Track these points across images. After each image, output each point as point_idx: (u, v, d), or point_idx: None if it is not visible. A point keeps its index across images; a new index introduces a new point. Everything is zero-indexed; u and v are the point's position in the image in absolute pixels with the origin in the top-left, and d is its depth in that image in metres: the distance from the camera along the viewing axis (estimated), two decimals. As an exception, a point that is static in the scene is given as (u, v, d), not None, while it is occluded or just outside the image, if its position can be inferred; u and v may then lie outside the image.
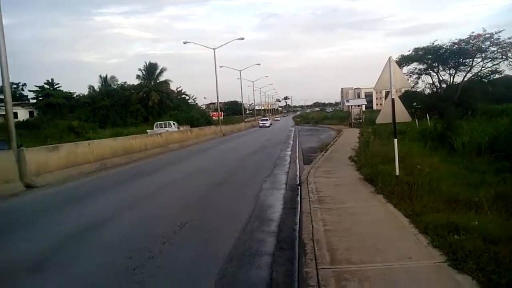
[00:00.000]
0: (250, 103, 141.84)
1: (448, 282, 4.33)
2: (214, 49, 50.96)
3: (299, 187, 11.11)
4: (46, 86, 70.65)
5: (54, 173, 14.35)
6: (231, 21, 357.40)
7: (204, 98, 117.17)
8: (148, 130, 43.21)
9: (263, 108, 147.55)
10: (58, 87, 72.01)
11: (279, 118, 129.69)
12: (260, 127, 66.81)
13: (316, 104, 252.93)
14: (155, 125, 49.27)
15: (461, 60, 39.08)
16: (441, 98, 37.80)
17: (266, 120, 75.10)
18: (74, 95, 74.95)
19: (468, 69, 39.74)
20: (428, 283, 4.36)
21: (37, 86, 71.03)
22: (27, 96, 77.40)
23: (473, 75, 40.34)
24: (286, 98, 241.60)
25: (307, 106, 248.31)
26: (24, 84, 79.29)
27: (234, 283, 5.05)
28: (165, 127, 46.71)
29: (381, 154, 12.59)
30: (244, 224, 7.62)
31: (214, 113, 79.35)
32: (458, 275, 4.39)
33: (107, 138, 23.67)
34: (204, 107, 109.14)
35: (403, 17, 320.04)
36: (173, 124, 49.19)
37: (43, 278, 5.43)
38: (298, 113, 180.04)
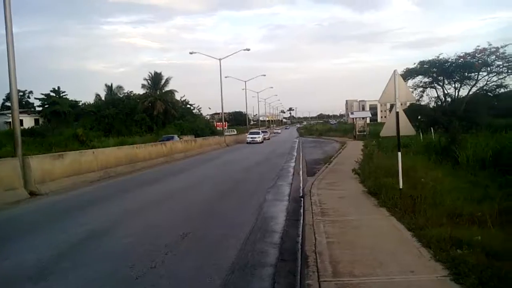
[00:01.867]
0: (254, 114, 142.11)
1: (450, 297, 4.31)
2: (220, 59, 51.23)
3: (302, 199, 11.11)
4: (52, 94, 71.03)
5: (58, 181, 14.41)
6: (238, 32, 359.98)
7: (209, 108, 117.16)
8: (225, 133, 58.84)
9: (267, 119, 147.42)
10: (64, 95, 72.39)
11: (279, 131, 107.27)
12: (248, 143, 48.60)
13: (320, 116, 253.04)
14: (225, 131, 61.62)
15: (466, 73, 39.14)
16: (445, 112, 37.79)
17: (257, 133, 53.67)
18: (80, 104, 75.31)
19: (474, 83, 39.82)
20: (430, 298, 4.34)
21: (43, 94, 71.47)
22: (33, 103, 78.04)
23: (478, 89, 40.39)
24: (290, 109, 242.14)
25: (311, 118, 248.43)
26: (31, 92, 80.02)
27: (236, 294, 5.04)
28: (231, 132, 64.33)
29: (385, 167, 12.57)
30: (247, 235, 7.63)
31: (219, 123, 79.37)
32: (461, 290, 4.38)
33: (112, 147, 23.77)
34: (208, 117, 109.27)
35: (410, 30, 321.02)
36: (233, 131, 64.71)
37: (45, 287, 5.44)
38: (298, 125, 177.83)
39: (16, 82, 13.98)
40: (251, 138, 50.27)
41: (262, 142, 50.18)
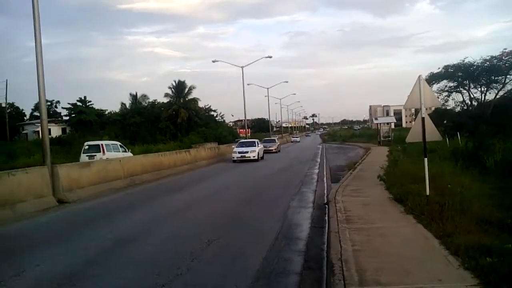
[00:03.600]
0: (277, 120, 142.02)
1: (480, 306, 4.22)
2: (242, 67, 51.44)
3: (326, 206, 11.05)
4: (78, 103, 72.48)
5: (85, 189, 14.69)
6: (259, 40, 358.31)
7: (232, 115, 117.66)
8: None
9: (290, 125, 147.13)
10: (90, 104, 73.81)
11: (297, 138, 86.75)
12: (234, 161, 30.84)
13: (343, 122, 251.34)
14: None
15: (493, 77, 38.37)
16: (472, 116, 37.09)
17: (251, 145, 33.18)
18: (106, 112, 76.65)
19: (501, 86, 38.98)
20: (459, 307, 4.26)
21: (70, 104, 73.00)
22: (60, 113, 79.57)
23: (506, 93, 39.52)
24: (313, 115, 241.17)
25: (335, 124, 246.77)
26: (58, 102, 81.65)
27: (262, 302, 5.04)
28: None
29: (411, 173, 12.39)
30: (272, 242, 7.63)
31: (242, 130, 79.76)
32: (491, 299, 4.29)
33: (137, 155, 24.11)
34: (231, 124, 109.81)
35: (433, 34, 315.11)
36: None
37: (75, 293, 5.55)
38: (317, 132, 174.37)
39: (44, 92, 14.34)
40: (240, 153, 31.41)
41: (261, 158, 32.52)
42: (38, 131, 53.29)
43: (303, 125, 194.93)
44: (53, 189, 13.31)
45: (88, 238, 8.61)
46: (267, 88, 71.02)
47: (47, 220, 11.07)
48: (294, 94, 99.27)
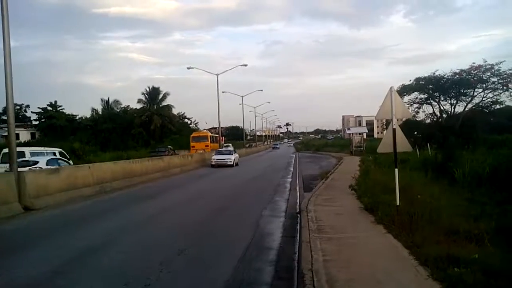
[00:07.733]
0: (251, 129, 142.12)
1: (448, 317, 4.25)
2: (217, 74, 51.34)
3: (298, 215, 11.06)
4: (49, 108, 71.16)
5: (53, 196, 14.30)
6: (236, 48, 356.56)
7: (206, 123, 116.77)
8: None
9: (264, 134, 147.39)
10: (61, 109, 72.55)
11: (230, 158, 34.20)
12: None
13: (317, 131, 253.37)
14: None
15: (462, 90, 39.36)
16: (442, 128, 37.93)
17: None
18: (77, 118, 75.34)
19: (469, 99, 40.00)
20: (428, 318, 4.28)
21: (40, 108, 71.61)
22: (29, 117, 77.86)
23: (474, 106, 40.58)
24: (287, 124, 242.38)
25: (308, 133, 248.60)
26: (27, 106, 79.81)
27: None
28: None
29: (382, 183, 12.55)
30: (243, 252, 7.56)
31: (216, 138, 79.47)
32: (459, 310, 4.33)
33: (108, 162, 23.66)
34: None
35: (406, 46, 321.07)
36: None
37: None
38: (286, 140, 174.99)
39: (12, 96, 13.93)
40: None
41: None
42: (6, 136, 51.82)
43: (277, 134, 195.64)
44: (19, 196, 12.89)
45: (54, 246, 8.36)
46: (242, 96, 71.00)
47: (11, 227, 10.70)
48: (269, 102, 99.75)
